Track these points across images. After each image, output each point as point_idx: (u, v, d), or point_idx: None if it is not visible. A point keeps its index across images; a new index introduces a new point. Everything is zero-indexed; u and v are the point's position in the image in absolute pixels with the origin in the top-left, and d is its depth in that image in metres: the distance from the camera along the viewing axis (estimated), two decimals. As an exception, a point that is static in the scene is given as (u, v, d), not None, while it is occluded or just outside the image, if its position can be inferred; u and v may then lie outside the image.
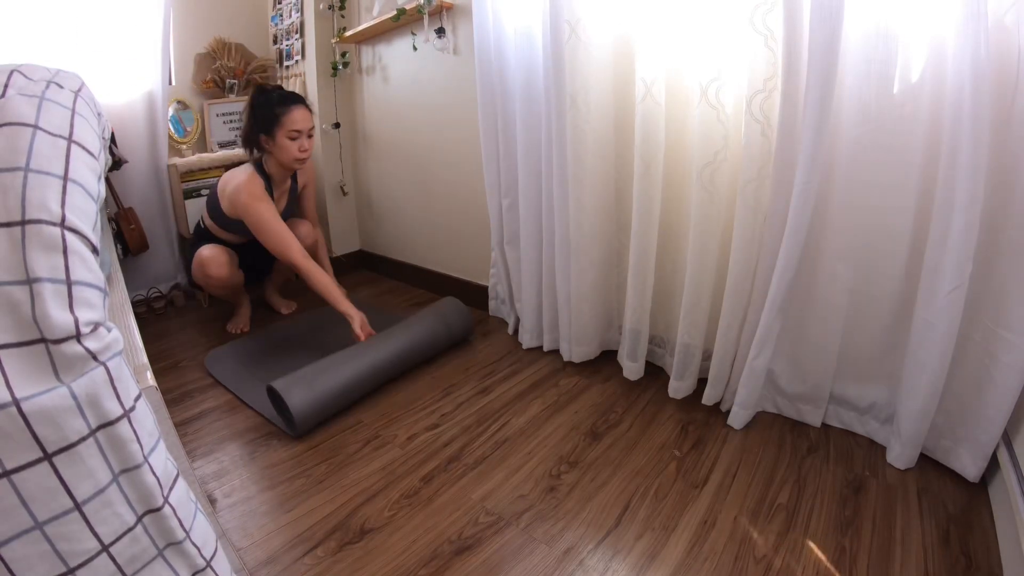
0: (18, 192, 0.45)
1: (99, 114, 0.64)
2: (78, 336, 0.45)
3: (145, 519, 0.50)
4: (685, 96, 1.14)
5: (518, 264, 1.58)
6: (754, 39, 0.97)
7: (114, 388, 0.47)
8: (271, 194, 1.60)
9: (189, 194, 1.94)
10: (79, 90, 0.58)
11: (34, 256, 0.44)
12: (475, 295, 1.90)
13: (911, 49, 0.90)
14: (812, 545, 0.85)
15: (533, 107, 1.37)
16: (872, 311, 1.05)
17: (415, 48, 1.81)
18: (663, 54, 1.11)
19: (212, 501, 0.99)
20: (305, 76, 2.16)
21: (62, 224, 0.46)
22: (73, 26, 1.66)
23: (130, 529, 0.49)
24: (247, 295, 1.85)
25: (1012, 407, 0.88)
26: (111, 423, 0.47)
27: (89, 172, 0.52)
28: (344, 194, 2.34)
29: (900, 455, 1.01)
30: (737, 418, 1.16)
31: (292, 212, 1.78)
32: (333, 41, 2.10)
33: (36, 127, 0.49)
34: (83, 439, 0.45)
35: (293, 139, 1.52)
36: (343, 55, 2.13)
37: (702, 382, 1.26)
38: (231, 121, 2.19)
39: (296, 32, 2.15)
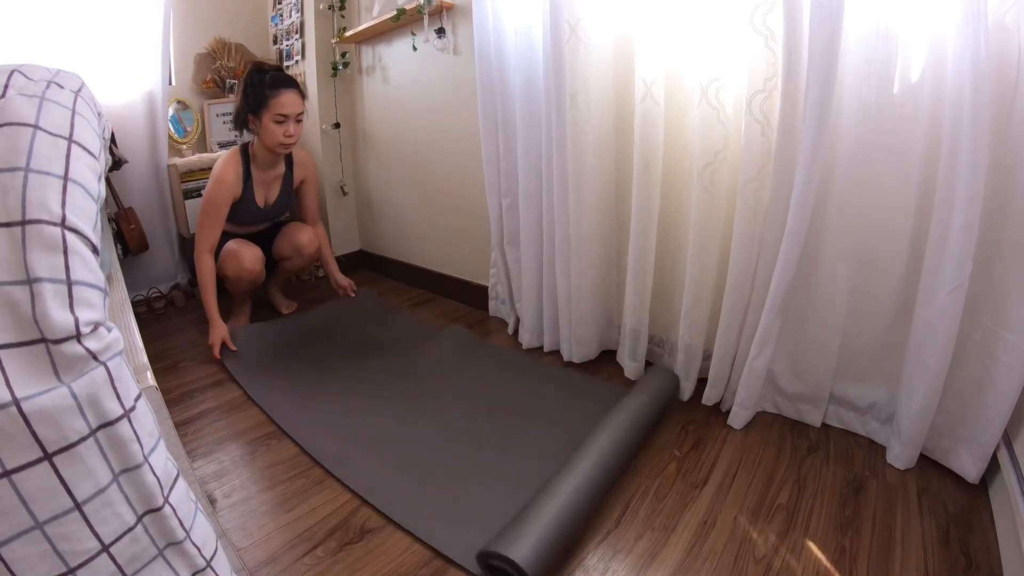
0: (18, 192, 0.45)
1: (99, 114, 0.64)
2: (78, 336, 0.45)
3: (145, 519, 0.50)
4: (685, 96, 1.14)
5: (518, 264, 1.58)
6: (754, 39, 0.97)
7: (114, 388, 0.47)
8: (249, 177, 1.60)
9: (189, 194, 1.94)
10: (79, 90, 0.58)
11: (34, 256, 0.44)
12: (475, 295, 1.90)
13: (911, 49, 0.90)
14: (812, 545, 0.85)
15: (533, 107, 1.37)
16: (872, 311, 1.05)
17: (415, 48, 1.81)
18: (663, 54, 1.11)
19: (212, 501, 0.99)
20: (305, 76, 2.16)
21: (62, 224, 0.46)
22: (73, 26, 1.66)
23: (130, 529, 0.49)
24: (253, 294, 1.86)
25: (1012, 407, 0.88)
26: (111, 423, 0.47)
27: (89, 172, 0.52)
28: (344, 194, 2.34)
29: (900, 455, 1.01)
30: (737, 418, 1.16)
31: (286, 205, 1.78)
32: (333, 41, 2.10)
33: (36, 127, 0.49)
34: (83, 439, 0.45)
35: (279, 123, 1.50)
36: (343, 55, 2.13)
37: (702, 382, 1.26)
38: (231, 121, 2.19)
39: (296, 32, 2.15)
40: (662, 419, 1.19)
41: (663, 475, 1.03)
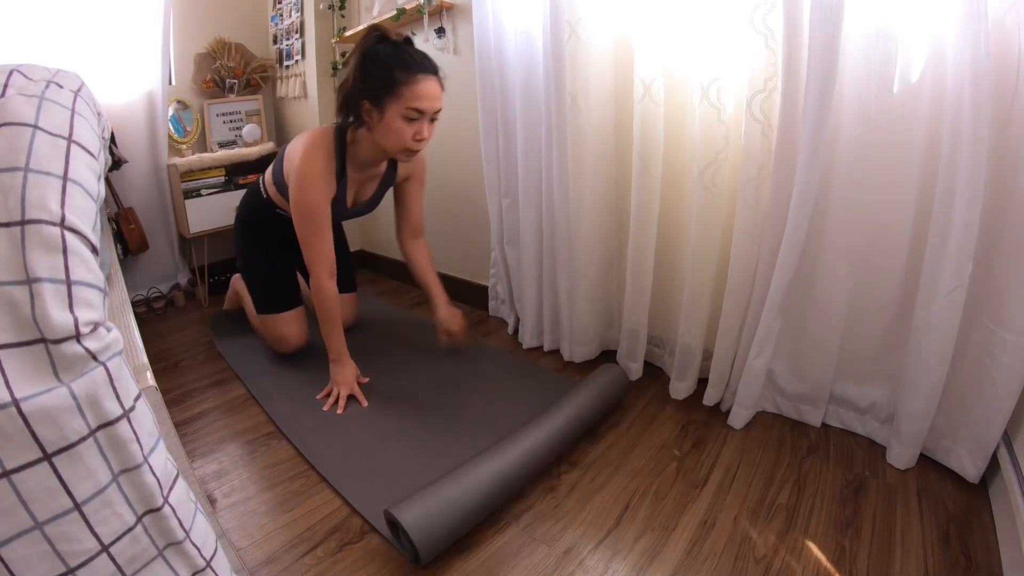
0: (18, 192, 0.45)
1: (99, 114, 0.64)
2: (78, 336, 0.45)
3: (145, 519, 0.50)
4: (685, 96, 1.14)
5: (518, 264, 1.58)
6: (754, 39, 0.97)
7: (114, 388, 0.47)
8: (344, 175, 1.23)
9: (189, 194, 1.94)
10: (79, 90, 0.58)
11: (34, 256, 0.44)
12: (475, 295, 1.90)
13: (911, 49, 0.90)
14: (812, 545, 0.85)
15: (533, 106, 1.37)
16: (872, 311, 1.05)
17: (415, 48, 1.80)
18: (662, 54, 1.11)
19: (212, 501, 0.99)
20: (305, 76, 2.16)
21: (62, 224, 0.46)
22: (73, 26, 1.66)
23: (130, 529, 0.49)
24: None
25: (1012, 407, 0.88)
26: (111, 423, 0.47)
27: (89, 172, 0.52)
28: (344, 194, 2.34)
29: (900, 455, 1.01)
30: (737, 418, 1.16)
31: (375, 206, 1.43)
32: (333, 41, 2.10)
33: (36, 127, 0.49)
34: (83, 439, 0.45)
35: (411, 120, 1.11)
36: (343, 55, 2.12)
37: (702, 382, 1.26)
38: (231, 121, 2.19)
39: (296, 32, 2.15)
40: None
41: (663, 475, 1.03)
